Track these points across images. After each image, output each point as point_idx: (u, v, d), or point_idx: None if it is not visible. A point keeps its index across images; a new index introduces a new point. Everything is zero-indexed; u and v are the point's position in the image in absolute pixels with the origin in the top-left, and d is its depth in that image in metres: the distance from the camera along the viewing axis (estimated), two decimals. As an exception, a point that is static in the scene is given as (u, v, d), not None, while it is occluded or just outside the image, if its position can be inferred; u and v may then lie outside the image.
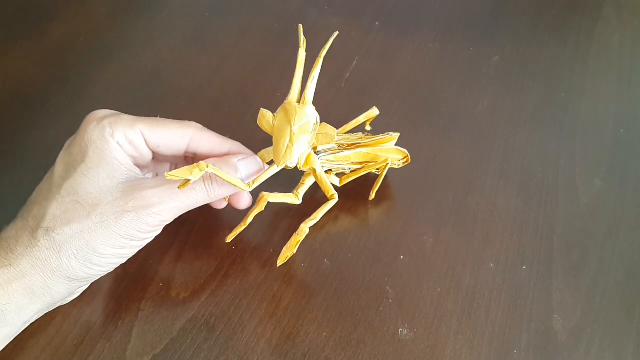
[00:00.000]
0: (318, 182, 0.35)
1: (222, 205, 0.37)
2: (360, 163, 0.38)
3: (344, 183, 0.38)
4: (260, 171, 0.33)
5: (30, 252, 0.28)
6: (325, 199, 0.35)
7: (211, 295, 0.35)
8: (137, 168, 0.32)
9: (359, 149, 0.37)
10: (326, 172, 0.37)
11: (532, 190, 0.41)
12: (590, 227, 0.39)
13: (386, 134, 0.39)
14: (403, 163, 0.40)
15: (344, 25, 0.53)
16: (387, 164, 0.38)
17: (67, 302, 0.33)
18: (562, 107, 0.47)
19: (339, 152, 0.37)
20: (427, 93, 0.48)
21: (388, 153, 0.39)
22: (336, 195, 0.35)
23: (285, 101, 0.30)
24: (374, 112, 0.40)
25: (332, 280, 0.36)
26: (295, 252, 0.35)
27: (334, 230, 0.38)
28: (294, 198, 0.35)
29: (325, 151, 0.36)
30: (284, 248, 0.35)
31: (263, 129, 0.31)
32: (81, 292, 0.34)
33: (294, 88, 0.30)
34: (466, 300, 0.35)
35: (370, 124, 0.43)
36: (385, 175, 0.40)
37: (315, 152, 0.35)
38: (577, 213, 0.40)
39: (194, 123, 0.34)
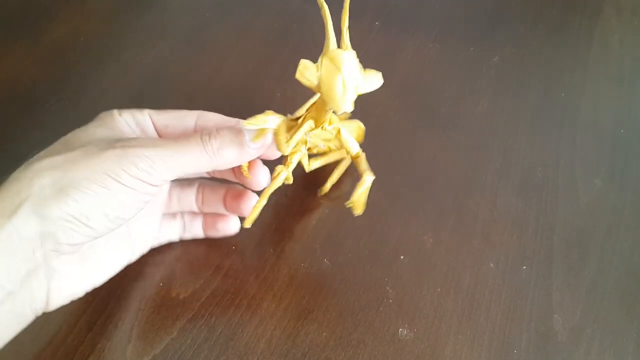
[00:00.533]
0: (342, 142, 0.33)
1: (257, 182, 0.33)
2: (328, 140, 0.37)
3: (311, 169, 0.37)
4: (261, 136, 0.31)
5: (2, 186, 0.26)
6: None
7: (211, 295, 0.35)
8: None
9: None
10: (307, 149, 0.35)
11: (532, 190, 0.41)
12: (590, 227, 0.39)
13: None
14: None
15: (344, 25, 0.53)
16: (345, 157, 0.37)
17: (57, 301, 0.29)
18: (562, 107, 0.47)
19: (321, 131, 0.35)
20: (427, 93, 0.48)
21: (353, 133, 0.37)
22: (361, 153, 0.33)
23: (327, 50, 0.29)
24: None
25: (332, 280, 0.36)
26: (264, 201, 0.32)
27: (334, 230, 0.38)
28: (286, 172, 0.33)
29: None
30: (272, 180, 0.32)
31: (304, 83, 0.29)
32: (72, 294, 0.30)
33: (330, 37, 0.29)
34: (466, 300, 0.35)
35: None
36: (386, 177, 0.39)
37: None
38: (577, 213, 0.40)
39: (197, 111, 0.33)
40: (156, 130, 0.32)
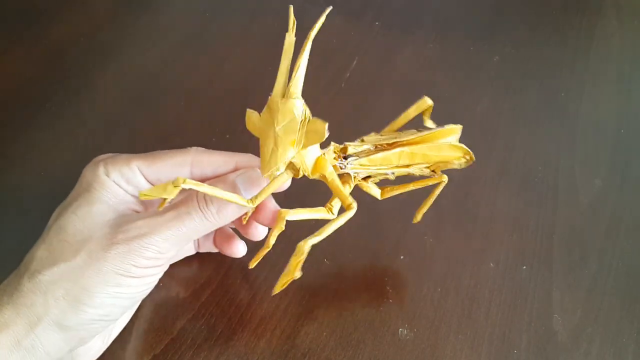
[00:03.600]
0: (332, 190, 0.30)
1: (257, 234, 0.34)
2: (408, 166, 0.31)
3: (385, 197, 0.32)
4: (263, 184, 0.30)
5: (15, 299, 0.25)
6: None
7: (211, 295, 0.35)
8: (141, 206, 0.30)
9: (398, 149, 0.30)
10: (364, 179, 0.32)
11: (532, 190, 0.41)
12: (590, 227, 0.39)
13: (442, 126, 0.32)
14: (465, 163, 0.32)
15: (344, 25, 0.53)
16: (441, 180, 0.31)
17: None
18: (562, 107, 0.47)
19: (373, 155, 0.30)
20: (427, 93, 0.48)
21: (440, 151, 0.31)
22: (354, 205, 0.29)
23: (269, 97, 0.26)
24: (426, 102, 0.33)
25: (332, 280, 0.36)
26: (296, 276, 0.30)
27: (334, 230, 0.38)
28: (326, 212, 0.29)
29: (357, 154, 0.30)
30: (282, 275, 0.30)
31: (252, 133, 0.27)
32: (100, 349, 0.31)
33: (279, 80, 0.26)
34: (466, 300, 0.35)
35: (431, 118, 0.35)
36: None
37: (344, 157, 0.30)
38: (577, 213, 0.40)
39: (194, 148, 0.31)
40: (149, 183, 0.31)
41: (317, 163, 0.28)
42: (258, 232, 0.34)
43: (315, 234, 0.29)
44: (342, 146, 0.30)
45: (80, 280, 0.26)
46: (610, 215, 0.40)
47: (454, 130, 0.32)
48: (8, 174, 0.41)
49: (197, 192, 0.28)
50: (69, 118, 0.45)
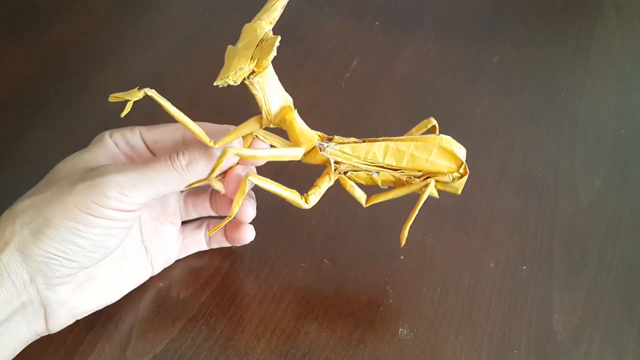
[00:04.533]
0: (290, 136, 0.29)
1: (245, 236, 0.34)
2: (394, 168, 0.30)
3: (370, 204, 0.32)
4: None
5: None
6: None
7: (211, 295, 0.35)
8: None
9: (384, 142, 0.29)
10: (345, 174, 0.31)
11: (532, 190, 0.41)
12: (590, 227, 0.39)
13: (431, 134, 0.30)
14: (458, 176, 0.30)
15: (344, 25, 0.53)
16: (427, 184, 0.29)
17: (53, 326, 0.30)
18: (562, 107, 0.47)
19: (357, 144, 0.30)
20: (427, 93, 0.48)
21: (429, 154, 0.29)
22: (300, 152, 0.29)
23: (245, 24, 0.27)
24: (431, 122, 0.32)
25: (332, 280, 0.36)
26: (216, 186, 0.30)
27: (334, 230, 0.38)
28: (300, 199, 0.30)
29: (339, 143, 0.30)
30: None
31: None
32: (76, 306, 0.31)
33: (260, 12, 0.27)
34: (466, 300, 0.35)
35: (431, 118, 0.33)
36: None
37: (327, 142, 0.30)
38: (577, 213, 0.40)
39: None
40: (147, 147, 0.32)
41: (282, 109, 0.29)
42: (246, 236, 0.35)
43: (261, 178, 0.29)
44: (329, 136, 0.31)
45: (44, 211, 0.27)
46: (610, 215, 0.40)
47: (452, 144, 0.30)
48: (8, 174, 0.41)
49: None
50: (69, 118, 0.45)
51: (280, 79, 0.28)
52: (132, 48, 0.51)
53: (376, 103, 0.42)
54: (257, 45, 0.26)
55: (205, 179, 0.30)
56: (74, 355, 0.32)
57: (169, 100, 0.28)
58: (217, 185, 0.31)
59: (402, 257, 0.37)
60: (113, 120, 0.45)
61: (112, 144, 0.31)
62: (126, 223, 0.30)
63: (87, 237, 0.28)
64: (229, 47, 0.28)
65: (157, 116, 0.32)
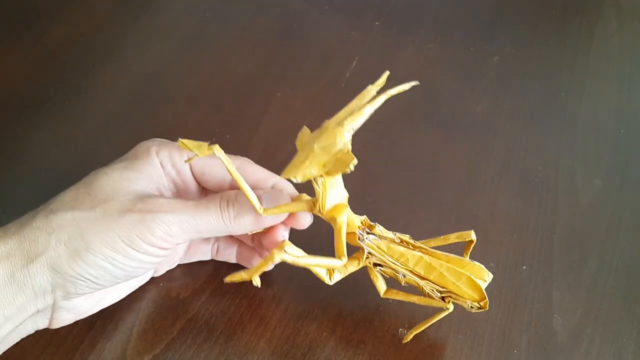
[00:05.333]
0: (335, 237, 0.30)
1: (305, 220, 0.32)
2: (421, 277, 0.31)
3: (386, 296, 0.33)
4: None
5: (22, 231, 0.27)
6: None
7: (211, 295, 0.35)
8: (171, 194, 0.31)
9: (421, 253, 0.31)
10: (375, 265, 0.32)
11: (532, 190, 0.41)
12: (590, 227, 0.39)
13: (470, 260, 0.31)
14: (476, 308, 0.31)
15: (344, 25, 0.53)
16: (446, 306, 0.31)
17: (57, 323, 0.30)
18: (562, 107, 0.47)
19: (394, 245, 0.31)
20: (427, 93, 0.48)
21: (458, 280, 0.30)
22: (345, 259, 0.30)
23: (326, 121, 0.28)
24: (470, 235, 0.32)
25: (332, 280, 0.36)
26: (255, 282, 0.29)
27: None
28: (326, 274, 0.31)
29: (380, 237, 0.31)
30: (243, 270, 0.30)
31: (297, 147, 0.28)
32: (85, 312, 0.31)
33: (342, 112, 0.28)
34: (466, 300, 0.35)
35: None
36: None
37: (367, 232, 0.31)
38: (577, 213, 0.40)
39: (243, 157, 0.32)
40: (193, 174, 0.32)
41: (336, 206, 0.29)
42: (305, 220, 0.33)
43: (296, 254, 0.29)
44: (371, 223, 0.31)
45: (85, 233, 0.27)
46: (610, 215, 0.40)
47: (477, 268, 0.31)
48: (8, 174, 0.41)
49: (222, 195, 0.29)
50: (69, 118, 0.45)
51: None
52: (132, 48, 0.51)
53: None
54: (334, 155, 0.26)
55: (247, 276, 0.29)
56: (74, 355, 0.32)
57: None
58: (256, 281, 0.30)
59: (402, 257, 0.37)
60: (113, 120, 0.45)
61: (158, 163, 0.30)
62: (157, 259, 0.30)
63: (121, 268, 0.28)
64: (305, 129, 0.28)
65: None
